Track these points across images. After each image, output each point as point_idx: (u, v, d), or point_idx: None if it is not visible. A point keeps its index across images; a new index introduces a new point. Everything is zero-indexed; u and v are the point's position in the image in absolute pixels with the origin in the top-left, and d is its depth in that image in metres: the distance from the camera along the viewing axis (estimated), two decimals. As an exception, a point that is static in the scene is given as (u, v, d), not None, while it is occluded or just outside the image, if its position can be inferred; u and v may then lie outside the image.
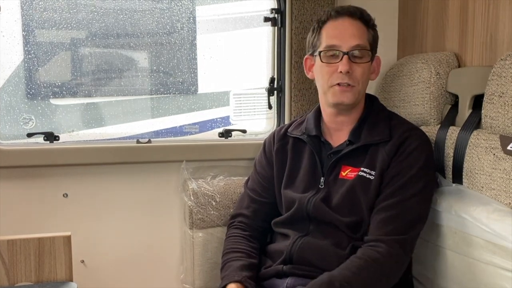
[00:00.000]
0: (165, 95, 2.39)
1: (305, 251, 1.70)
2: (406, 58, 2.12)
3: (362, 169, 1.71)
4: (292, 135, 1.90)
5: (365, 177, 1.70)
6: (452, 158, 1.77)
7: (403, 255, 1.61)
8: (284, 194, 1.84)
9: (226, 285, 1.66)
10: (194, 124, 2.44)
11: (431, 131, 1.89)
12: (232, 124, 2.52)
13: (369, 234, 1.65)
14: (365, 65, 1.73)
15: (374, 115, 1.80)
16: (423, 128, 1.91)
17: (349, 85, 1.72)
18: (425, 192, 1.68)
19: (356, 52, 1.72)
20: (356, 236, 1.68)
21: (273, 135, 1.97)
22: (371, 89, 2.20)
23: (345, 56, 1.71)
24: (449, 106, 1.92)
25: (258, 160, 2.00)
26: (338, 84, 1.73)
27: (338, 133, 1.81)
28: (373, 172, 1.69)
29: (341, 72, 1.70)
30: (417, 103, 1.96)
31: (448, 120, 1.88)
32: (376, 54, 1.83)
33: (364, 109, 1.81)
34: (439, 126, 1.89)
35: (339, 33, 1.74)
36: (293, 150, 1.88)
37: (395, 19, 2.37)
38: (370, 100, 1.85)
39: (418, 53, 2.16)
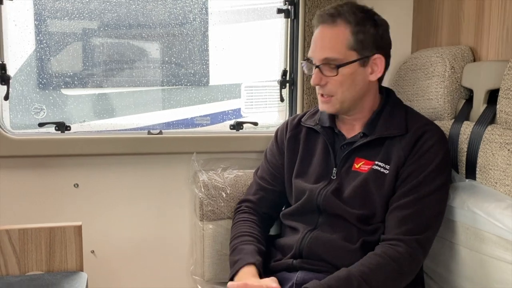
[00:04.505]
0: (176, 87, 2.38)
1: (314, 246, 1.69)
2: (421, 52, 2.09)
3: (376, 162, 1.69)
4: (305, 125, 1.88)
5: (379, 171, 1.68)
6: (465, 153, 1.75)
7: (421, 254, 1.61)
8: (294, 183, 1.83)
9: (240, 268, 1.66)
10: (206, 116, 2.43)
11: (445, 125, 1.87)
12: (244, 117, 2.51)
13: (386, 232, 1.64)
14: (336, 77, 1.68)
15: (390, 108, 1.77)
16: (436, 122, 1.89)
17: (327, 95, 1.72)
18: (443, 189, 1.66)
19: (323, 66, 1.68)
20: (367, 230, 1.67)
21: (286, 124, 1.95)
22: (384, 82, 2.19)
23: (316, 70, 1.69)
24: (464, 101, 1.90)
25: (269, 148, 1.99)
26: (321, 94, 1.73)
27: (351, 124, 1.80)
28: (387, 166, 1.67)
29: None
30: (431, 97, 1.95)
31: (462, 114, 1.86)
32: (377, 54, 1.71)
33: (380, 102, 1.79)
34: (453, 120, 1.87)
35: (313, 45, 1.72)
36: (306, 140, 1.87)
37: (410, 12, 2.33)
38: (386, 93, 1.82)
39: (432, 47, 2.14)
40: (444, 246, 1.75)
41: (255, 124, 2.34)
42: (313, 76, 1.70)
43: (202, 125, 2.41)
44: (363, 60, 1.69)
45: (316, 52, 1.70)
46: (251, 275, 1.63)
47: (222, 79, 2.48)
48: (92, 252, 2.16)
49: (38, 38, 2.15)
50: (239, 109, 2.51)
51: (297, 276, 1.66)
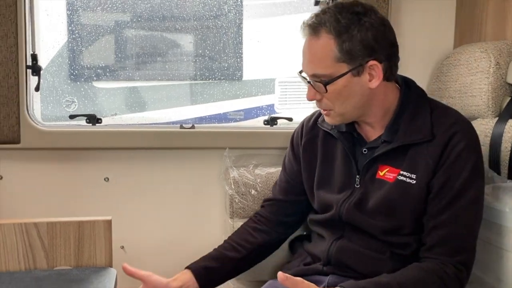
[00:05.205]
0: (209, 81, 2.36)
1: (342, 255, 1.63)
2: (464, 47, 2.04)
3: (401, 172, 1.56)
4: (322, 128, 1.76)
5: (405, 181, 1.55)
6: (509, 153, 1.69)
7: (466, 277, 1.52)
8: (317, 195, 1.74)
9: None
10: (239, 111, 2.40)
11: (488, 124, 1.81)
12: (277, 113, 2.48)
13: (427, 249, 1.54)
14: (327, 94, 1.54)
15: (411, 107, 1.61)
16: (479, 120, 1.83)
17: (325, 109, 1.60)
18: (480, 197, 1.54)
19: (314, 82, 1.54)
20: (393, 242, 1.59)
21: (301, 126, 1.84)
22: (424, 79, 2.14)
23: (309, 85, 1.57)
24: (508, 98, 1.84)
25: (286, 153, 1.90)
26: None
27: (370, 126, 1.66)
28: (413, 176, 1.55)
29: None
30: (474, 94, 1.88)
31: (507, 112, 1.80)
32: (372, 60, 1.51)
33: (400, 99, 1.62)
34: (496, 118, 1.81)
35: (303, 58, 1.58)
36: (323, 145, 1.75)
37: (453, 5, 2.27)
38: (406, 85, 1.65)
39: (476, 42, 2.08)
40: (484, 249, 1.68)
41: (290, 119, 2.29)
42: (307, 92, 1.59)
43: (235, 120, 2.39)
44: (357, 70, 1.51)
45: (305, 67, 1.57)
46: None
47: (256, 74, 2.45)
48: (122, 247, 2.15)
49: (70, 28, 2.15)
50: (273, 105, 2.48)
51: (328, 279, 1.62)
